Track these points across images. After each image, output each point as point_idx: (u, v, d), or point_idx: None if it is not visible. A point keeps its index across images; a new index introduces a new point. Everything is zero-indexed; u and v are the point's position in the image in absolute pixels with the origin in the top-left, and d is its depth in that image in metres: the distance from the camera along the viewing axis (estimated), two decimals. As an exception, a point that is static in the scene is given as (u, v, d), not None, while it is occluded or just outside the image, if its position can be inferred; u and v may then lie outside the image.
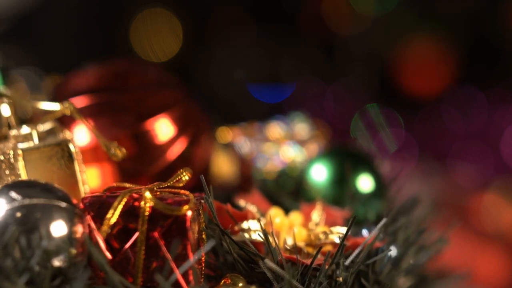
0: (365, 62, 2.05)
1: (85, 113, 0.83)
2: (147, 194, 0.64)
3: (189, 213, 0.63)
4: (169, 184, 0.69)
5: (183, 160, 0.85)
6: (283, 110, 2.05)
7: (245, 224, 0.72)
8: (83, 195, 0.74)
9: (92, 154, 0.82)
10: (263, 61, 2.07)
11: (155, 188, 0.68)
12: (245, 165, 0.97)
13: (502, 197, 1.94)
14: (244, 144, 0.98)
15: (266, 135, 1.00)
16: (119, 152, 0.76)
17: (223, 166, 1.01)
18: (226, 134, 1.02)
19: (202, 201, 0.69)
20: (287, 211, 0.81)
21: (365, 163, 0.87)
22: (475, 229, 1.87)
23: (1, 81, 0.98)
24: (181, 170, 0.70)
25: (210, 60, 2.04)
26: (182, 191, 0.67)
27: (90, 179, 0.81)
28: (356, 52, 2.04)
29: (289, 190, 0.90)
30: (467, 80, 2.05)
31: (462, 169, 2.02)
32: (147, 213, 0.63)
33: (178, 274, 0.62)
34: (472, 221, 1.89)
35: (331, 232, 0.74)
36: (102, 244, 0.65)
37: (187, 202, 0.64)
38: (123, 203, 0.64)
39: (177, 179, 0.70)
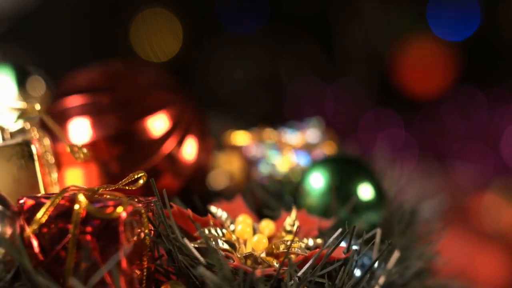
0: (365, 62, 2.05)
1: (75, 112, 0.84)
2: (81, 197, 0.64)
3: (124, 215, 0.63)
4: (118, 186, 0.69)
5: (170, 163, 0.85)
6: (283, 112, 2.05)
7: (206, 230, 0.71)
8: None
9: None
10: (263, 61, 2.07)
11: (101, 190, 0.68)
12: (249, 169, 0.97)
13: (502, 197, 1.94)
14: (251, 148, 0.98)
15: (275, 141, 1.00)
16: (82, 154, 0.77)
17: (230, 169, 1.01)
18: (234, 137, 1.02)
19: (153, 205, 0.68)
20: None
21: (364, 171, 0.85)
22: (475, 229, 1.87)
23: (15, 79, 0.99)
24: (135, 172, 0.70)
25: (210, 60, 2.04)
26: (119, 194, 0.67)
27: (75, 180, 0.82)
28: (356, 52, 2.04)
29: (287, 197, 0.88)
30: (467, 80, 2.05)
31: (462, 169, 2.02)
32: (80, 216, 0.64)
33: (108, 277, 0.62)
34: (472, 221, 1.89)
35: (294, 242, 0.72)
36: (36, 245, 0.65)
37: (121, 205, 0.64)
38: (55, 204, 0.64)
39: (128, 181, 0.70)
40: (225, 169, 1.02)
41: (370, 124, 2.10)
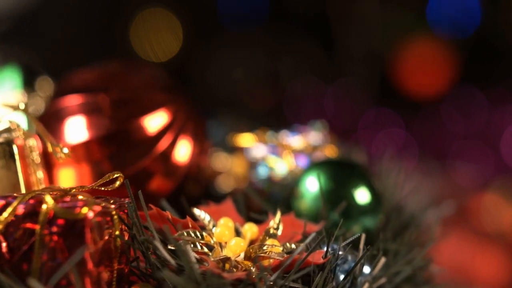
0: (365, 62, 2.05)
1: (69, 112, 0.84)
2: (48, 198, 0.64)
3: (90, 215, 0.63)
4: (93, 187, 0.70)
5: (163, 163, 0.85)
6: (282, 112, 2.05)
7: (185, 233, 0.70)
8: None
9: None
10: (263, 61, 2.07)
11: (73, 191, 0.68)
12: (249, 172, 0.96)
13: (502, 197, 1.94)
14: (252, 150, 0.98)
15: (275, 143, 0.99)
16: (63, 155, 0.77)
17: (238, 172, 1.01)
18: (239, 139, 1.01)
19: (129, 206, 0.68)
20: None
21: (360, 175, 0.83)
22: (475, 229, 1.87)
23: (22, 79, 1.00)
24: (112, 173, 0.71)
25: (210, 60, 2.04)
26: (86, 195, 0.67)
27: (66, 180, 0.82)
28: (356, 52, 2.04)
29: (280, 200, 0.88)
30: (467, 80, 2.05)
31: (462, 169, 2.02)
32: (47, 216, 0.64)
33: (73, 277, 0.62)
34: (472, 221, 1.89)
35: (270, 246, 0.71)
36: (4, 245, 0.65)
37: (87, 205, 0.64)
38: (22, 203, 0.65)
39: (104, 181, 0.70)
40: (233, 172, 1.02)
41: (370, 124, 2.10)
